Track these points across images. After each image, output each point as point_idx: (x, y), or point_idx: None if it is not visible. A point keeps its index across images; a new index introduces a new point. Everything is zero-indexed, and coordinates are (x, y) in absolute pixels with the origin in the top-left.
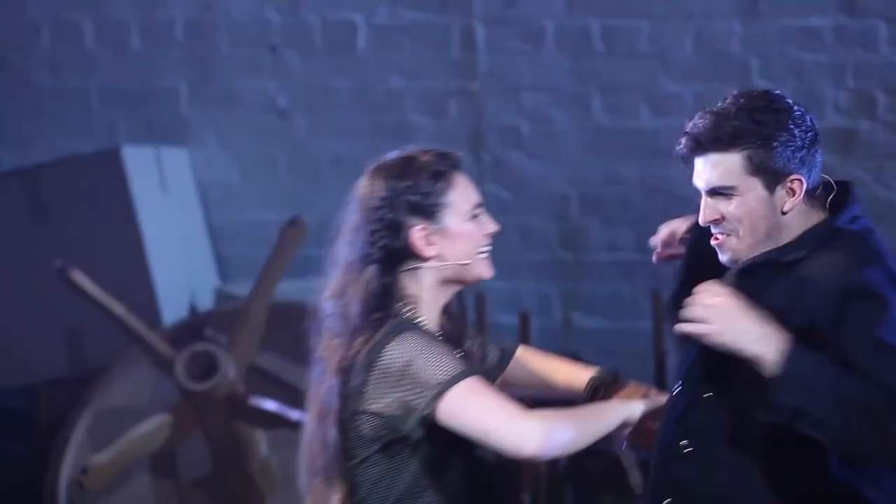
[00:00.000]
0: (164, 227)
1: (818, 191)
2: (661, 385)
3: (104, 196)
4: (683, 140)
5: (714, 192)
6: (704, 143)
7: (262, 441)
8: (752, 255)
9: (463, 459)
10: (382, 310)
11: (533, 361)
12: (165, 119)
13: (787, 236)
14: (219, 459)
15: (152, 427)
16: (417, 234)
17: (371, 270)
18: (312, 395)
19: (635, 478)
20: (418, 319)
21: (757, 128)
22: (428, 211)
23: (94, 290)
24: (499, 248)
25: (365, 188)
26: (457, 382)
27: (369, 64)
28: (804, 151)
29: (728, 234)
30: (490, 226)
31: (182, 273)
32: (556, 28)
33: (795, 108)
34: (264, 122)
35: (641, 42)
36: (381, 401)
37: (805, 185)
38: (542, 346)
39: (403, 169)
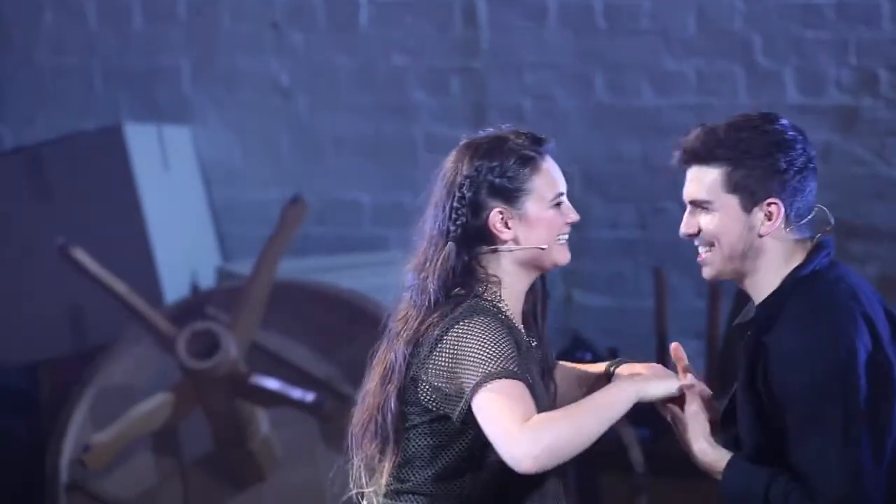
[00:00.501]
0: (166, 205)
1: (805, 220)
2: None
3: (106, 174)
4: (677, 153)
5: (693, 204)
6: (690, 156)
7: (263, 419)
8: (729, 274)
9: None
10: (464, 287)
11: (566, 373)
12: (167, 97)
13: (765, 269)
14: (220, 437)
15: (154, 405)
16: (495, 216)
17: (450, 247)
18: (378, 360)
19: (636, 455)
20: (499, 302)
21: (739, 146)
22: (509, 194)
23: (96, 268)
24: None
25: (452, 163)
26: (498, 379)
27: (372, 42)
28: (787, 176)
29: (708, 250)
30: (571, 215)
31: (184, 251)
32: (558, 5)
33: (789, 133)
34: (266, 101)
35: (643, 19)
36: (440, 376)
37: (783, 211)
38: None
39: (492, 149)
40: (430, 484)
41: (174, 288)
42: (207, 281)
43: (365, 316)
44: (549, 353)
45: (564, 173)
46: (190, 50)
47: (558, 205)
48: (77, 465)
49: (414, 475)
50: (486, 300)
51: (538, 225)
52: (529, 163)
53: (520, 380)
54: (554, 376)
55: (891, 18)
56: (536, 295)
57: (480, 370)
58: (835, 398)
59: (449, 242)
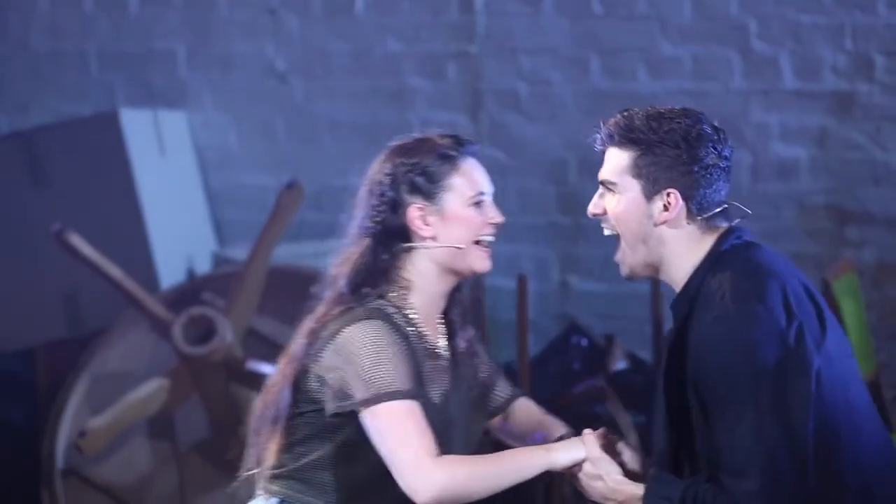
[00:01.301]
0: (162, 190)
1: (711, 216)
2: (655, 347)
3: (102, 159)
4: (597, 135)
5: (602, 185)
6: (607, 138)
7: None
8: (643, 270)
9: (379, 464)
10: (372, 287)
11: (528, 414)
12: (163, 82)
13: (672, 257)
14: (216, 423)
15: (150, 391)
16: (414, 212)
17: (366, 244)
18: (286, 352)
19: (632, 439)
20: (406, 308)
21: (649, 134)
22: (428, 191)
23: (92, 253)
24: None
25: (376, 164)
26: (390, 400)
27: (367, 27)
28: (692, 170)
29: (614, 234)
30: (493, 215)
31: (179, 237)
32: None
33: (708, 131)
34: (262, 86)
35: (640, 4)
36: (326, 369)
37: (681, 203)
38: (540, 310)
39: (413, 148)
40: (307, 471)
41: (170, 273)
42: (203, 266)
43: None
44: (476, 366)
45: (561, 159)
46: (186, 34)
47: (479, 203)
48: (73, 451)
49: (293, 461)
50: (392, 304)
51: (457, 222)
52: (449, 161)
53: (414, 399)
54: (487, 388)
55: (886, 3)
56: (464, 306)
57: (373, 386)
58: (747, 379)
59: (366, 239)
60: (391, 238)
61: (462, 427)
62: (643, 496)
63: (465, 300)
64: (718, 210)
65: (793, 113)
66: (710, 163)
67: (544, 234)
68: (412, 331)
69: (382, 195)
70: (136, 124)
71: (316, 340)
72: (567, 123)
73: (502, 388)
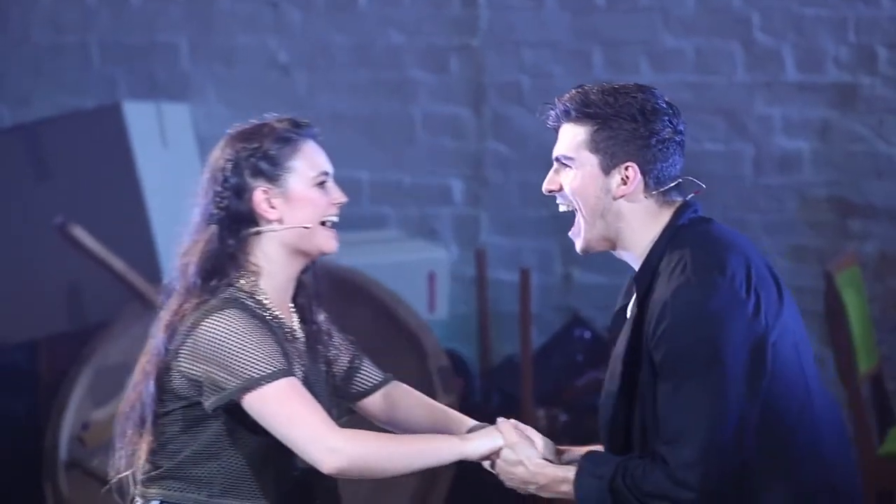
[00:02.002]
0: (165, 183)
1: (666, 189)
2: None
3: (105, 152)
4: (551, 112)
5: (558, 161)
6: (562, 114)
7: None
8: (598, 244)
9: (264, 438)
10: (221, 276)
11: (410, 401)
12: (166, 74)
13: (630, 231)
14: None
15: None
16: (259, 195)
17: (213, 231)
18: (146, 349)
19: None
20: (258, 293)
21: (605, 108)
22: (271, 174)
23: (95, 245)
24: (499, 204)
25: (216, 152)
26: (271, 381)
27: (370, 19)
28: (649, 143)
29: (571, 209)
30: (337, 196)
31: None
32: None
33: (662, 104)
34: (265, 78)
35: None
36: (191, 366)
37: (639, 176)
38: (543, 303)
39: (252, 133)
40: (183, 468)
41: (173, 266)
42: None
43: (363, 294)
44: (336, 349)
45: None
46: (188, 27)
47: (322, 184)
48: (76, 443)
49: (167, 460)
50: (243, 290)
51: (302, 203)
52: (289, 143)
53: (292, 375)
54: (350, 371)
55: None
56: (309, 288)
57: (245, 373)
58: (701, 348)
59: (212, 226)
60: (237, 223)
61: (325, 409)
62: (575, 475)
63: (312, 283)
64: (674, 184)
65: (795, 105)
66: (667, 136)
67: (547, 226)
68: (267, 315)
69: (226, 181)
70: (138, 117)
71: (174, 335)
72: None
73: (369, 372)
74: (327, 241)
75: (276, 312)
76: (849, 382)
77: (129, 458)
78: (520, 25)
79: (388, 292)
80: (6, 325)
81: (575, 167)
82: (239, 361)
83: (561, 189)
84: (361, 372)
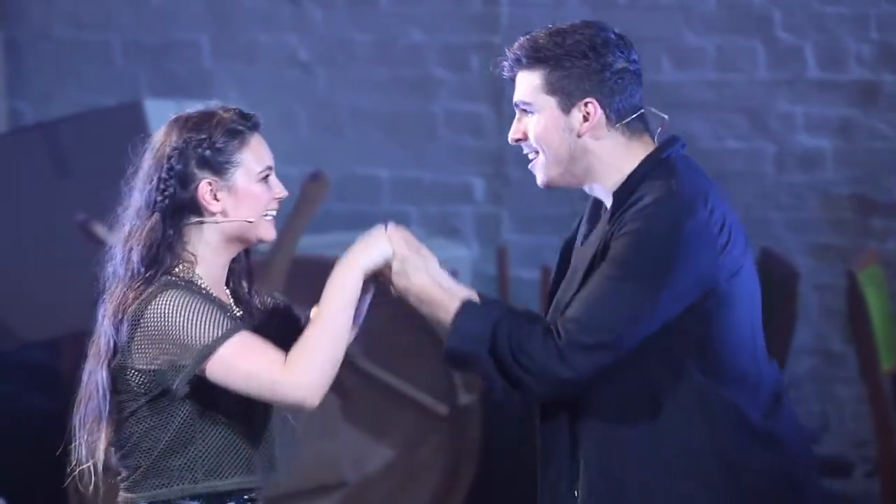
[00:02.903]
0: None
1: (629, 121)
2: None
3: (126, 150)
4: (504, 63)
5: (518, 109)
6: (514, 63)
7: None
8: (562, 179)
9: (233, 409)
10: (159, 264)
11: None
12: (187, 72)
13: (601, 166)
14: None
15: None
16: (205, 187)
17: (156, 218)
18: (94, 338)
19: None
20: (193, 278)
21: (555, 49)
22: (218, 167)
23: None
24: (520, 202)
25: (160, 136)
26: (223, 342)
27: (390, 17)
28: (603, 76)
29: (537, 154)
30: (279, 190)
31: None
32: None
33: (612, 37)
34: (285, 76)
35: None
36: (146, 358)
37: (599, 111)
38: None
39: (200, 122)
40: (162, 462)
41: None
42: None
43: (383, 292)
44: (263, 324)
45: None
46: (209, 25)
47: (265, 178)
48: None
49: (144, 459)
50: (178, 277)
51: (246, 198)
52: (238, 136)
53: (244, 329)
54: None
55: None
56: (242, 270)
57: (200, 342)
58: (654, 252)
59: (155, 213)
60: (180, 212)
61: None
62: (459, 305)
63: (241, 266)
64: (635, 115)
65: (817, 103)
66: (620, 67)
67: (568, 224)
68: (206, 293)
69: (171, 169)
70: (159, 114)
71: (119, 328)
72: None
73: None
74: (268, 231)
75: (213, 293)
76: (871, 380)
77: (91, 448)
78: (540, 22)
79: None
80: (28, 323)
81: (535, 111)
82: (189, 335)
83: (526, 137)
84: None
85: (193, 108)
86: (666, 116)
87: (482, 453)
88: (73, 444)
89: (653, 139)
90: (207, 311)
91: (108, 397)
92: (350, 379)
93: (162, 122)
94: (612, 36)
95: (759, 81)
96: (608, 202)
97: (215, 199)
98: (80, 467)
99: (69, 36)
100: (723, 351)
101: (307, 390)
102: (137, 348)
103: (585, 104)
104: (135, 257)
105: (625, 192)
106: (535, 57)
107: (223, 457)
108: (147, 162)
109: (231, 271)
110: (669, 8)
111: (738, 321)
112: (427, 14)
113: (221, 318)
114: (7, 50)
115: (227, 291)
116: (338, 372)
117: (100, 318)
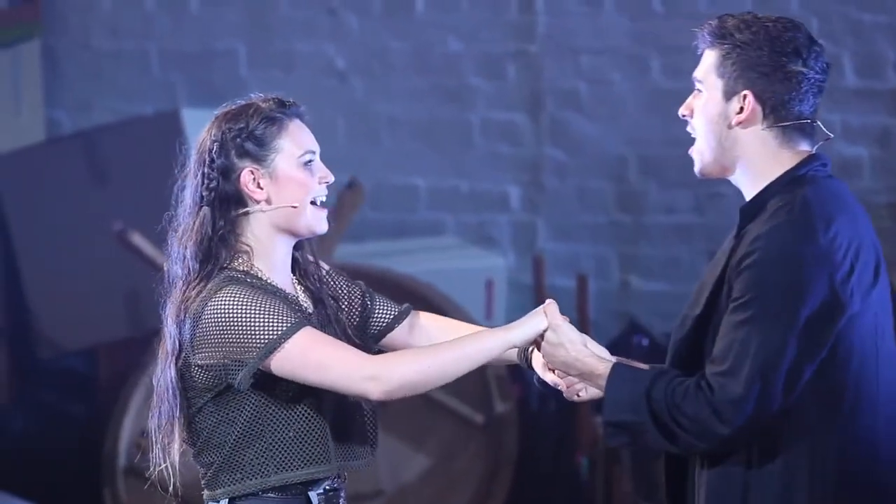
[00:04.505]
0: None
1: (787, 127)
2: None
3: (164, 159)
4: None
5: (695, 85)
6: (701, 40)
7: None
8: (713, 167)
9: (301, 401)
10: (215, 259)
11: (437, 324)
12: (224, 81)
13: (746, 162)
14: None
15: None
16: (247, 176)
17: (204, 213)
18: (161, 341)
19: None
20: (253, 270)
21: (736, 34)
22: (258, 154)
23: (153, 252)
24: (556, 211)
25: (203, 133)
26: (289, 338)
27: (427, 26)
28: (772, 71)
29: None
30: (324, 174)
31: None
32: None
33: (800, 39)
34: (322, 85)
35: (701, 3)
36: (209, 355)
37: (755, 105)
38: (600, 309)
39: (238, 113)
40: (235, 456)
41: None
42: None
43: (420, 301)
44: (340, 318)
45: (621, 157)
46: (246, 33)
47: (308, 163)
48: (135, 449)
49: (216, 455)
50: (238, 270)
51: (289, 183)
52: (275, 123)
53: (307, 324)
54: (364, 313)
55: None
56: (304, 263)
57: (263, 337)
58: (780, 287)
59: (203, 208)
60: (226, 205)
61: None
62: (610, 371)
63: (307, 259)
64: (797, 122)
65: (855, 112)
66: (794, 69)
67: (604, 232)
68: (268, 284)
69: (213, 162)
70: (197, 124)
71: (182, 327)
72: (627, 123)
73: (384, 309)
74: (317, 221)
75: (277, 284)
76: None
77: (167, 450)
78: (578, 31)
79: (445, 299)
80: (66, 331)
81: (703, 89)
82: (251, 331)
83: (690, 114)
84: (376, 311)
85: (234, 102)
86: (831, 135)
87: (518, 462)
88: (150, 448)
89: (811, 151)
90: (270, 305)
91: (177, 397)
92: None
93: (199, 130)
94: (801, 38)
95: None
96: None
97: (259, 187)
98: (157, 469)
99: (107, 45)
100: (844, 378)
101: (388, 386)
102: (199, 345)
103: (744, 96)
104: (189, 254)
105: (752, 208)
106: (717, 36)
107: (294, 448)
108: (193, 160)
109: (295, 261)
110: (706, 16)
111: (863, 342)
112: (463, 22)
113: (285, 311)
114: (45, 59)
115: (294, 281)
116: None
117: (164, 319)
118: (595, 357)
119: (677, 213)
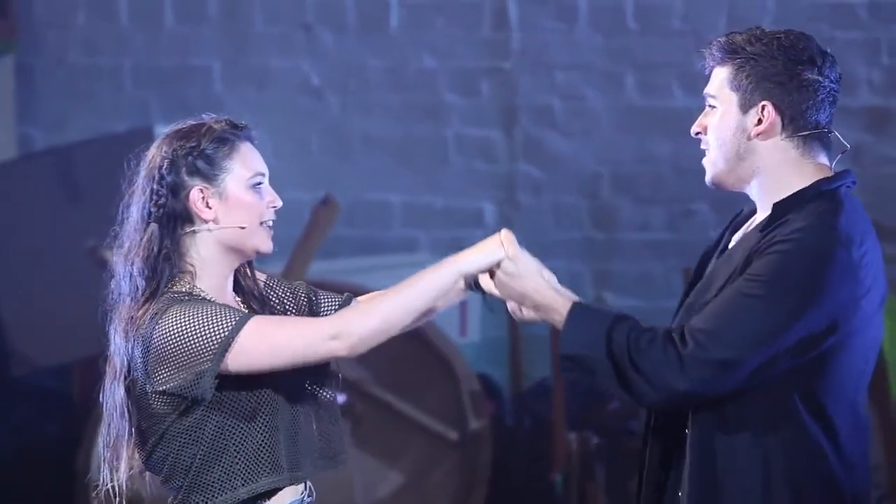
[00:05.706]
0: None
1: (806, 136)
2: None
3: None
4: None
5: (706, 101)
6: (710, 58)
7: None
8: (727, 178)
9: (258, 410)
10: (159, 276)
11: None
12: (198, 98)
13: (767, 173)
14: None
15: None
16: (196, 194)
17: (152, 230)
18: (108, 359)
19: None
20: (194, 291)
21: (747, 47)
22: (208, 173)
23: None
24: (530, 227)
25: (153, 150)
26: (239, 331)
27: (402, 43)
28: (788, 81)
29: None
30: (272, 198)
31: None
32: (589, 6)
33: (811, 48)
34: (297, 101)
35: (675, 20)
36: (167, 377)
37: (774, 116)
38: None
39: (190, 132)
40: (201, 477)
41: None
42: None
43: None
44: (281, 307)
45: (595, 174)
46: (221, 50)
47: (257, 186)
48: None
49: (182, 478)
50: (180, 292)
51: (238, 205)
52: (227, 143)
53: (253, 315)
54: (310, 309)
55: None
56: (244, 284)
57: (215, 340)
58: (795, 277)
59: (150, 225)
60: (174, 222)
61: (309, 374)
62: (571, 307)
63: (247, 278)
64: (815, 131)
65: None
66: (809, 79)
67: (578, 249)
68: (211, 301)
69: (162, 179)
70: None
71: (133, 350)
72: (601, 139)
73: (329, 300)
74: (263, 242)
75: (219, 302)
76: (881, 407)
77: (114, 467)
78: (551, 48)
79: None
80: (39, 348)
81: (717, 105)
82: (201, 339)
83: (705, 132)
84: (322, 305)
85: (185, 121)
86: (848, 146)
87: (493, 479)
88: (99, 466)
89: (829, 164)
90: (212, 310)
91: (126, 416)
92: (361, 404)
93: None
94: (814, 49)
95: None
96: (763, 212)
97: (207, 206)
98: (104, 488)
99: (82, 61)
100: (828, 391)
101: (352, 339)
102: (154, 371)
103: (762, 107)
104: (136, 271)
105: (786, 208)
106: (727, 52)
107: (259, 458)
108: (141, 176)
109: (236, 280)
110: (680, 33)
111: (850, 365)
112: (438, 39)
113: (229, 311)
114: (20, 75)
115: (238, 301)
116: (349, 398)
117: (111, 336)
118: (554, 291)
119: (651, 229)
